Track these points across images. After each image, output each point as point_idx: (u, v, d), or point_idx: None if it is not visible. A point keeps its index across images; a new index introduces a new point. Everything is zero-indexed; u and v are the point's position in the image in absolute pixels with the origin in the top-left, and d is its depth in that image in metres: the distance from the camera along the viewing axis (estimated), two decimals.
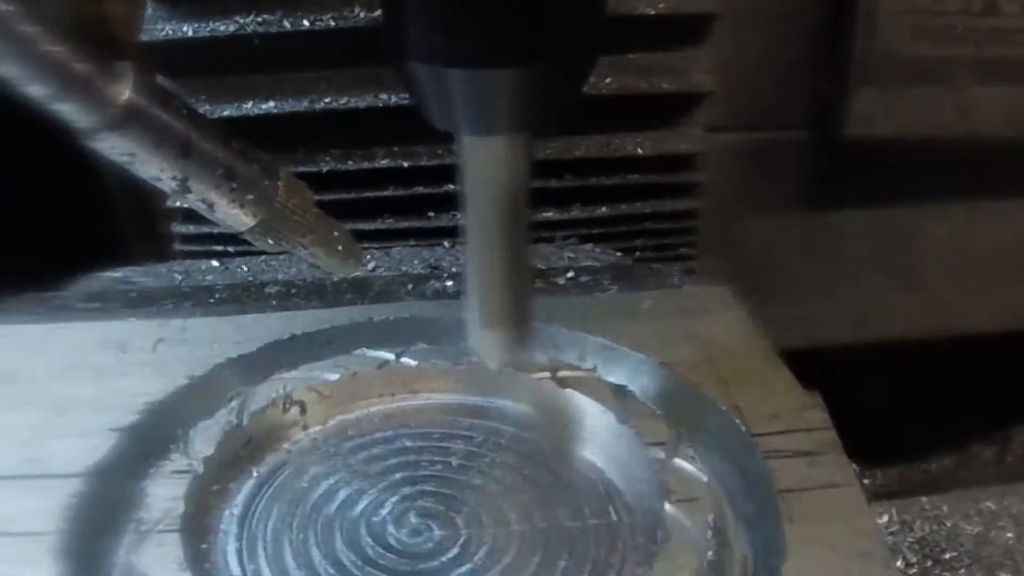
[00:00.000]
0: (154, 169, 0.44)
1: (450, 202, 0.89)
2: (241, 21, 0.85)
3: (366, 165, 0.90)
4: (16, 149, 0.86)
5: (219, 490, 0.54)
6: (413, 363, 0.62)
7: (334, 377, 0.60)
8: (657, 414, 0.56)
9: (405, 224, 0.92)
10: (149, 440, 0.54)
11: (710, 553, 0.47)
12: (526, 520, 0.52)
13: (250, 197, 0.47)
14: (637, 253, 0.97)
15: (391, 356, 0.62)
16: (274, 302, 0.69)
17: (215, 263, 0.79)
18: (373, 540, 0.51)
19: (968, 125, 1.04)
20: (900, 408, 1.05)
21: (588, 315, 0.64)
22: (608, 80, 0.89)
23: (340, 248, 0.52)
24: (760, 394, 0.56)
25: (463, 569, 0.49)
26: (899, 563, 0.61)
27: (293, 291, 0.71)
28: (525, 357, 0.57)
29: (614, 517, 0.52)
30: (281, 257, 0.78)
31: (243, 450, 0.56)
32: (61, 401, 0.57)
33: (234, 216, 0.47)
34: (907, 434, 0.74)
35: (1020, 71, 1.02)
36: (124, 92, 0.42)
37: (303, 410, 0.59)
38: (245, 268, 0.79)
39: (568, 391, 0.59)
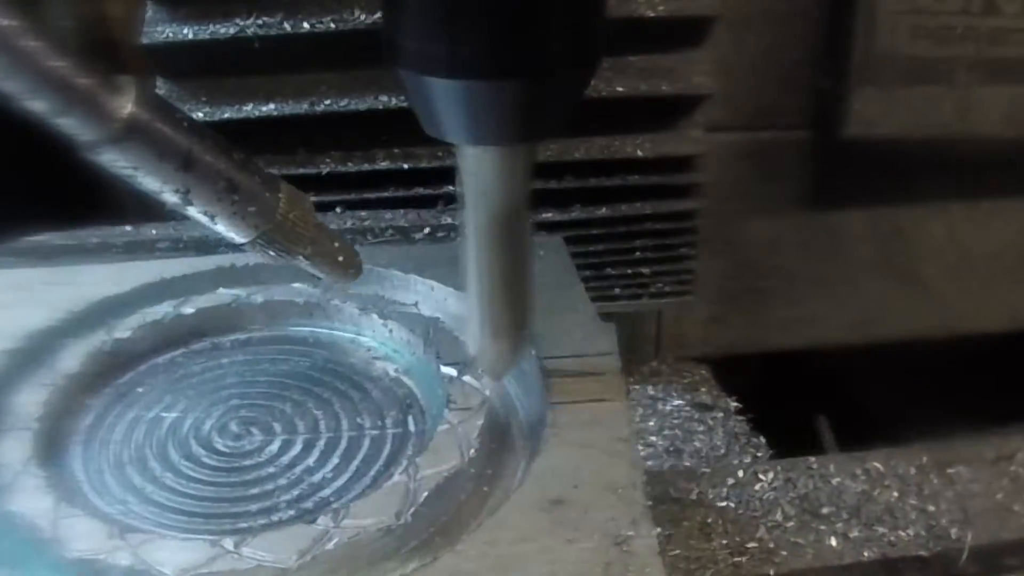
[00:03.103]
0: (156, 182, 0.44)
1: (450, 203, 0.89)
2: (241, 23, 0.85)
3: (366, 167, 0.90)
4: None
5: (77, 402, 0.61)
6: (260, 300, 0.70)
7: (189, 311, 0.68)
8: (458, 340, 0.62)
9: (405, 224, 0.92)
10: (25, 359, 0.61)
11: (472, 451, 0.53)
12: (336, 428, 0.59)
13: (252, 209, 0.47)
14: (637, 253, 0.98)
15: (243, 293, 0.70)
16: (158, 254, 0.79)
17: (128, 228, 0.85)
18: (200, 444, 0.58)
19: (968, 125, 1.04)
20: (899, 408, 1.06)
21: (428, 262, 0.72)
22: (608, 82, 0.89)
23: (340, 259, 0.52)
24: (559, 322, 0.63)
25: (272, 467, 0.56)
26: (778, 516, 0.66)
27: (181, 245, 0.81)
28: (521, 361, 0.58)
29: (411, 427, 0.59)
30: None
31: (104, 370, 0.64)
32: None
33: (236, 228, 0.48)
34: (906, 434, 0.74)
35: (1020, 71, 1.02)
36: (126, 106, 0.42)
37: (156, 339, 0.67)
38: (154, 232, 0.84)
39: (387, 321, 0.67)
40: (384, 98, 0.87)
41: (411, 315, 0.67)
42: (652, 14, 0.88)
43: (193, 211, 0.46)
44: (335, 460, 0.56)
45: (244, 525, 0.51)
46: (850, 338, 1.16)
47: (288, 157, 0.90)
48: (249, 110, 0.88)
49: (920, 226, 1.13)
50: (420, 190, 0.91)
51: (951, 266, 1.15)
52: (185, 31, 0.86)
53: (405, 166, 0.90)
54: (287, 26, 0.85)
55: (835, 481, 0.69)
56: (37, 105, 0.40)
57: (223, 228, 0.47)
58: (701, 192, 0.97)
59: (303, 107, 0.87)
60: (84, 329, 0.65)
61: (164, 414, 0.61)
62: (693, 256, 1.00)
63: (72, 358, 0.62)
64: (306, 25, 0.85)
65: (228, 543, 0.46)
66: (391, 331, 0.67)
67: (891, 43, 1.00)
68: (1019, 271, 1.15)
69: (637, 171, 0.94)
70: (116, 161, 0.43)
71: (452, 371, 0.60)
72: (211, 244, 0.75)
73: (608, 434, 0.53)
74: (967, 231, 1.14)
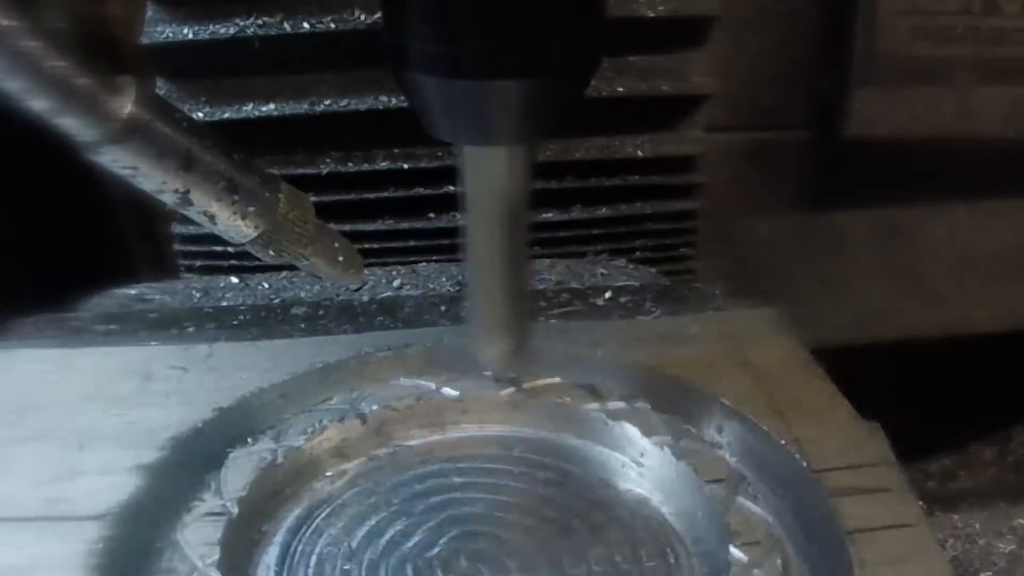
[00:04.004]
0: (156, 182, 0.44)
1: (450, 203, 0.89)
2: (241, 24, 0.85)
3: (366, 167, 0.90)
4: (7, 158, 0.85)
5: (255, 533, 0.51)
6: (455, 393, 0.59)
7: (372, 408, 0.58)
8: (715, 449, 0.54)
9: (406, 225, 0.92)
10: (178, 479, 0.52)
11: None
12: (580, 563, 0.49)
13: (251, 209, 0.47)
14: (637, 253, 0.98)
15: (431, 386, 0.59)
16: (302, 325, 0.65)
17: (234, 279, 0.77)
18: None
19: (968, 125, 1.04)
20: (900, 408, 1.05)
21: (633, 340, 0.62)
22: (608, 82, 0.89)
23: (341, 259, 0.52)
24: (818, 426, 0.54)
25: None
26: None
27: (320, 312, 0.67)
28: (526, 363, 0.58)
29: (672, 560, 0.50)
30: (303, 274, 0.76)
31: (279, 488, 0.54)
32: (82, 435, 0.54)
33: (236, 228, 0.47)
34: (907, 434, 0.74)
35: (1020, 71, 1.02)
36: (126, 106, 0.42)
37: (341, 444, 0.57)
38: (266, 285, 0.77)
39: (620, 423, 0.57)
40: (384, 98, 0.87)
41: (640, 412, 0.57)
42: (652, 14, 0.88)
43: (193, 211, 0.46)
44: None
45: None
46: (850, 338, 1.15)
47: (288, 157, 0.90)
48: (249, 110, 0.88)
49: (920, 226, 1.13)
50: (420, 190, 0.91)
51: (951, 266, 1.15)
52: (185, 31, 0.86)
53: (405, 166, 0.90)
54: (287, 26, 0.85)
55: (982, 542, 0.61)
56: (37, 105, 0.40)
57: (223, 228, 0.47)
58: (701, 192, 0.97)
59: (303, 107, 0.87)
60: (242, 433, 0.55)
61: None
62: (693, 256, 1.00)
63: (238, 475, 0.52)
64: (306, 25, 0.85)
65: None
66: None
67: (891, 43, 1.00)
68: (1019, 271, 1.15)
69: (637, 171, 0.94)
70: (116, 161, 0.43)
71: (719, 490, 0.51)
72: (359, 313, 0.66)
73: (921, 570, 0.46)
74: (967, 231, 1.13)
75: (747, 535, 0.48)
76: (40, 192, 1.03)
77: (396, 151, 0.90)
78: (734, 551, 0.47)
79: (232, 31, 0.85)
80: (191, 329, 0.65)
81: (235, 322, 0.67)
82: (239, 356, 0.60)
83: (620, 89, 0.89)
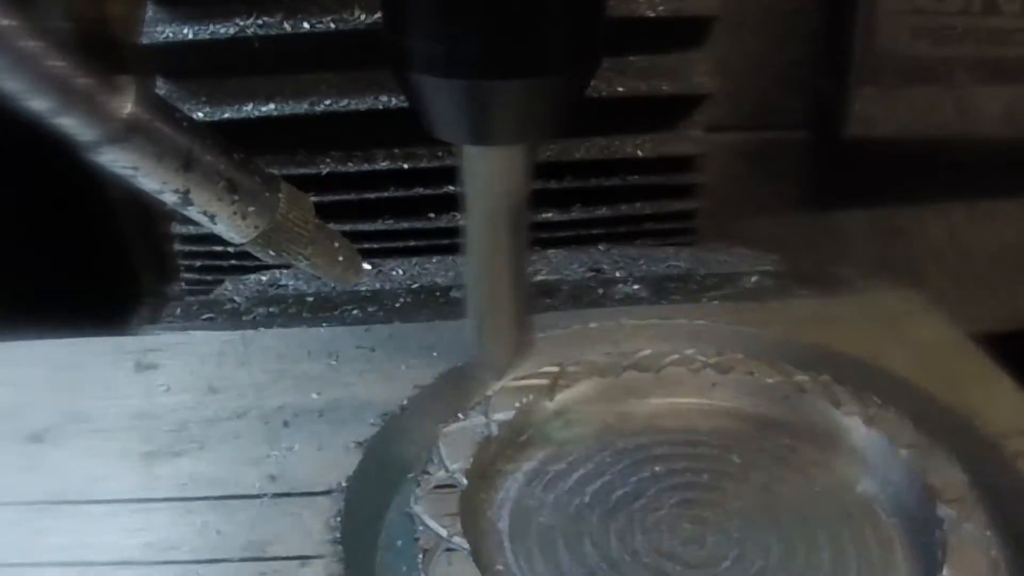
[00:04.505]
0: (156, 182, 0.44)
1: (451, 203, 0.89)
2: (241, 23, 0.85)
3: (366, 167, 0.90)
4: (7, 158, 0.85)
5: (485, 502, 0.52)
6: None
7: (577, 381, 0.58)
8: (900, 417, 0.55)
9: (406, 225, 0.92)
10: (396, 454, 0.53)
11: (993, 552, 0.47)
12: (803, 542, 0.50)
13: (251, 209, 0.47)
14: None
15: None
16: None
17: (366, 265, 0.77)
18: (648, 542, 0.50)
19: (968, 125, 1.04)
20: None
21: (792, 321, 0.65)
22: (608, 82, 0.89)
23: (341, 259, 0.52)
24: (986, 396, 0.57)
25: None
26: None
27: None
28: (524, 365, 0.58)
29: (882, 519, 0.52)
30: (435, 259, 0.78)
31: (499, 459, 0.55)
32: (284, 413, 0.55)
33: (235, 228, 0.47)
34: None
35: (1020, 71, 1.02)
36: (126, 106, 0.42)
37: (554, 414, 0.58)
38: (401, 272, 0.77)
39: (809, 395, 0.58)
40: (384, 98, 0.87)
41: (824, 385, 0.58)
42: (652, 14, 0.88)
43: (193, 211, 0.46)
44: None
45: None
46: None
47: (288, 157, 0.90)
48: (249, 110, 0.88)
49: (920, 226, 1.13)
50: (420, 190, 0.91)
51: (951, 266, 1.15)
52: (185, 31, 0.85)
53: (405, 166, 0.90)
54: (287, 26, 0.85)
55: None
56: (37, 105, 0.40)
57: (223, 228, 0.47)
58: (701, 192, 0.97)
59: (303, 107, 0.87)
60: (450, 408, 0.55)
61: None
62: None
63: (456, 448, 0.52)
64: (306, 25, 0.85)
65: None
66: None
67: (891, 43, 1.00)
68: (1019, 271, 1.15)
69: (637, 171, 0.94)
70: (116, 161, 0.43)
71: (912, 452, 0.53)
72: None
73: None
74: (967, 231, 1.13)
75: (950, 493, 0.49)
76: (40, 192, 1.03)
77: (396, 151, 0.90)
78: (942, 508, 0.48)
79: (232, 31, 0.85)
80: (355, 312, 0.67)
81: (397, 304, 0.68)
82: (421, 336, 0.61)
83: (620, 89, 0.89)
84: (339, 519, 0.48)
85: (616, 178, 0.94)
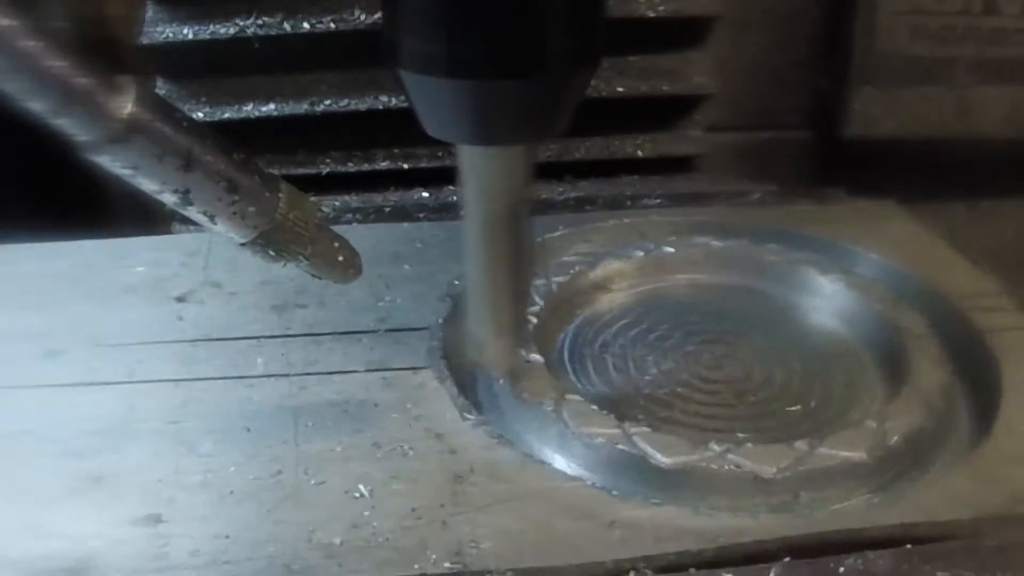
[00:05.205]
0: (156, 182, 0.44)
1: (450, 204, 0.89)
2: (241, 23, 0.85)
3: (366, 167, 0.90)
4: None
5: (547, 342, 0.66)
6: (670, 250, 0.76)
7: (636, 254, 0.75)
8: (875, 283, 0.71)
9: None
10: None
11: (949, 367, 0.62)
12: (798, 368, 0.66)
13: (252, 209, 0.47)
14: None
15: (650, 245, 0.76)
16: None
17: (425, 193, 0.91)
18: (678, 365, 0.66)
19: (968, 125, 1.04)
20: None
21: (793, 221, 0.82)
22: (608, 82, 0.89)
23: (341, 259, 0.52)
24: (949, 274, 0.74)
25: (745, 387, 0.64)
26: None
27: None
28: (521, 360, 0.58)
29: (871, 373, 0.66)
30: None
31: (558, 308, 0.69)
32: (384, 280, 0.71)
33: (235, 228, 0.47)
34: None
35: (1020, 71, 1.02)
36: (126, 106, 0.42)
37: (602, 280, 0.74)
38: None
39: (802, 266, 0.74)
40: (384, 98, 0.88)
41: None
42: (652, 14, 0.88)
43: (193, 211, 0.46)
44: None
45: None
46: None
47: (288, 157, 0.90)
48: (249, 110, 0.88)
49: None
50: (420, 190, 0.91)
51: None
52: (185, 31, 0.86)
53: (405, 166, 0.90)
54: (287, 26, 0.85)
55: None
56: (37, 105, 0.40)
57: (223, 228, 0.47)
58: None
59: (303, 107, 0.88)
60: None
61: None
62: None
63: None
64: (306, 25, 0.85)
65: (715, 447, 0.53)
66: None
67: (891, 43, 1.00)
68: (1019, 271, 1.15)
69: (637, 171, 0.94)
70: (116, 161, 0.43)
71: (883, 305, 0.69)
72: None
73: None
74: (967, 231, 1.13)
75: (914, 331, 0.65)
76: (39, 192, 1.03)
77: (396, 151, 0.91)
78: (909, 340, 0.63)
79: (232, 31, 0.85)
80: (424, 219, 0.86)
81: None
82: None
83: (620, 89, 0.89)
84: (437, 344, 0.63)
85: (616, 178, 0.94)
